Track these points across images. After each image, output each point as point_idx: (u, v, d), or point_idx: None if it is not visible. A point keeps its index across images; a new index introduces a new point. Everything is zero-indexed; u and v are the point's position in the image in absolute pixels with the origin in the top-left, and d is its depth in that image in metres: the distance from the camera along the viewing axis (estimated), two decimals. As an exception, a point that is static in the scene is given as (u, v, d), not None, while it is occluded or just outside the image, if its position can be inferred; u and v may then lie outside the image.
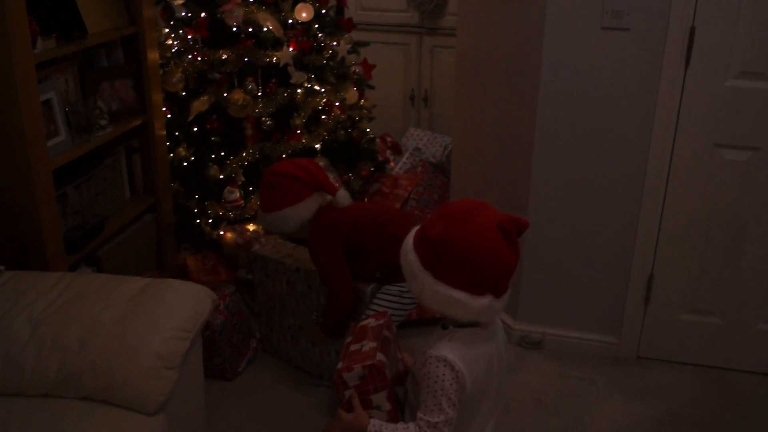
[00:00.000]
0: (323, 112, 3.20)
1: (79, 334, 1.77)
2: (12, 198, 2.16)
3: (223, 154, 3.08)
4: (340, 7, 3.50)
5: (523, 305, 2.90)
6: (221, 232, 3.07)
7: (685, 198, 2.61)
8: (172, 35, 3.10)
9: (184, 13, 3.07)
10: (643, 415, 2.54)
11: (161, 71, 2.97)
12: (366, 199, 3.43)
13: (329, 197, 2.44)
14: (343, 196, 2.44)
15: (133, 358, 1.73)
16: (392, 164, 3.77)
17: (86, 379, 1.71)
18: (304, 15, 3.04)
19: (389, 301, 2.38)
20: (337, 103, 3.23)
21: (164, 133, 2.93)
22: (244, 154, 3.07)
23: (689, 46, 2.41)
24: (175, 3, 3.06)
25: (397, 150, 3.91)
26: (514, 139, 2.77)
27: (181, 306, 1.88)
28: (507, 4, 2.70)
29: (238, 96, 2.98)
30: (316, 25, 3.17)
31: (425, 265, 1.41)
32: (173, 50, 3.08)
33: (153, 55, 2.77)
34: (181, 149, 3.10)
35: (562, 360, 2.84)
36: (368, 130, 3.50)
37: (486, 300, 1.40)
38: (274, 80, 3.09)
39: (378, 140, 3.71)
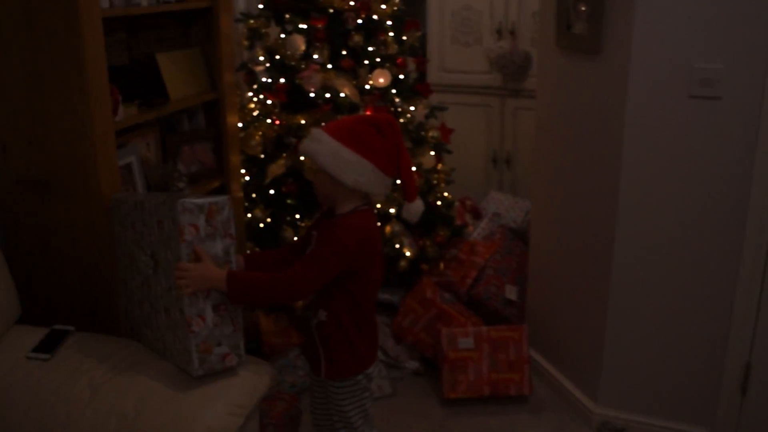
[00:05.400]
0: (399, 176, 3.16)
1: (135, 402, 1.76)
2: (88, 261, 2.19)
3: (297, 216, 3.08)
4: (421, 71, 3.48)
5: (604, 387, 2.71)
6: (293, 295, 3.04)
7: (786, 279, 2.39)
8: (254, 99, 3.16)
9: (264, 78, 3.13)
10: None
11: (242, 134, 3.02)
12: (442, 266, 3.34)
13: (402, 201, 2.07)
14: (415, 212, 2.13)
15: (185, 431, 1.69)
16: (470, 228, 3.68)
17: (138, 451, 1.68)
18: (381, 81, 3.05)
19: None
20: (413, 168, 3.18)
21: (242, 194, 2.96)
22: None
23: (788, 118, 2.24)
24: (257, 69, 3.13)
25: (477, 214, 3.82)
26: (596, 209, 2.64)
27: (238, 381, 1.84)
28: (588, 68, 2.60)
29: (314, 160, 2.99)
30: (393, 90, 3.16)
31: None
32: (254, 113, 3.14)
33: (232, 120, 2.82)
34: (257, 210, 3.13)
35: (647, 449, 2.63)
36: (446, 194, 3.42)
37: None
38: (350, 145, 3.08)
39: (457, 204, 3.64)
